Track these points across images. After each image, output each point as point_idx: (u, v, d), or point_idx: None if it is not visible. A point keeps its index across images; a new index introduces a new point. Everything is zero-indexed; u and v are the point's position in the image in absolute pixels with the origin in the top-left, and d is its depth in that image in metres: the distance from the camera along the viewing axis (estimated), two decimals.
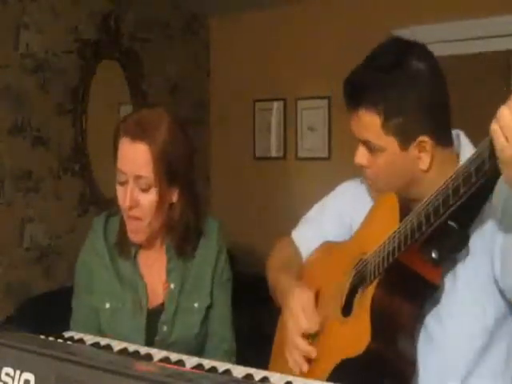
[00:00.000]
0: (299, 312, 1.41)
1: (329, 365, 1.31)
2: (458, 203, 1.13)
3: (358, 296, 1.38)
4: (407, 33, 1.51)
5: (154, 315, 1.64)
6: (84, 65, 3.43)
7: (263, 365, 1.64)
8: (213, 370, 1.00)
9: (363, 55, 1.45)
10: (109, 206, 1.88)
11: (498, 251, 1.25)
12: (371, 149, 1.35)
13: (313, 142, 4.03)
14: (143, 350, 1.14)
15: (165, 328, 1.63)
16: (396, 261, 1.25)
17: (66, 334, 1.23)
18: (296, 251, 1.69)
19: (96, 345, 1.16)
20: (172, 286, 1.65)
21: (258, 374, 0.98)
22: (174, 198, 1.60)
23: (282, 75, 4.11)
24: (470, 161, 1.09)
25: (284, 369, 1.50)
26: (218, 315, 1.72)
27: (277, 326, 1.70)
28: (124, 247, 1.64)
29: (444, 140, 1.35)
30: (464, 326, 1.31)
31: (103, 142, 3.54)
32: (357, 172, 1.64)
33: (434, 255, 1.24)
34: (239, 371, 0.99)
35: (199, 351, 1.68)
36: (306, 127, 4.06)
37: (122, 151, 1.53)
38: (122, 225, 1.62)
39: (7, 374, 0.86)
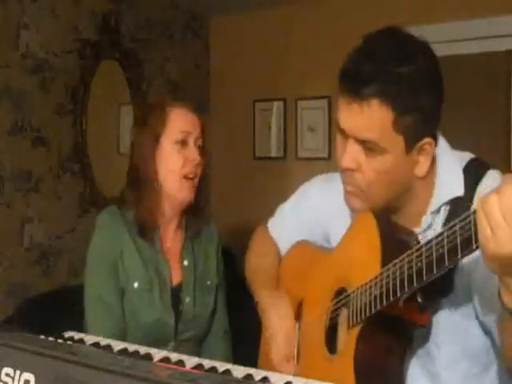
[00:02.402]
0: (281, 339, 1.43)
1: None
2: (443, 270, 1.04)
3: (341, 333, 1.34)
4: None
5: (175, 293, 1.78)
6: (84, 65, 3.42)
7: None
8: (213, 369, 1.00)
9: None
10: (109, 205, 1.89)
11: (475, 290, 1.21)
12: (370, 150, 1.19)
13: (313, 141, 4.03)
14: (143, 349, 1.14)
15: (187, 299, 1.78)
16: (379, 312, 1.18)
17: (66, 334, 1.23)
18: (275, 248, 1.68)
19: (96, 345, 1.16)
20: (185, 262, 1.81)
21: (258, 373, 0.98)
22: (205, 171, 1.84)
23: (282, 75, 4.11)
24: (458, 228, 0.98)
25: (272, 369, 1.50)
26: (220, 296, 1.91)
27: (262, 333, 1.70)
28: (146, 232, 1.76)
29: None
30: (451, 354, 1.28)
31: (103, 142, 3.57)
32: None
33: (419, 300, 1.17)
34: (239, 371, 0.99)
35: (210, 328, 1.87)
36: (306, 127, 4.06)
37: (182, 118, 1.80)
38: (145, 211, 1.75)
39: (7, 374, 0.86)
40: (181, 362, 1.03)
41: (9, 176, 3.04)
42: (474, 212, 0.93)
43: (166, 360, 1.06)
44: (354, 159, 1.21)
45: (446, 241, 1.00)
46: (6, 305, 2.96)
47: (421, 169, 1.23)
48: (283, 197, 1.70)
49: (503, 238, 0.88)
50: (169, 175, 1.74)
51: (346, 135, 1.23)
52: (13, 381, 0.85)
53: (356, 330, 1.24)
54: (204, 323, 1.83)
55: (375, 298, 1.17)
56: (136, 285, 1.71)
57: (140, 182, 1.76)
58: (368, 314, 1.20)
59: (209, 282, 1.85)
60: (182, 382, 0.77)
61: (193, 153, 1.75)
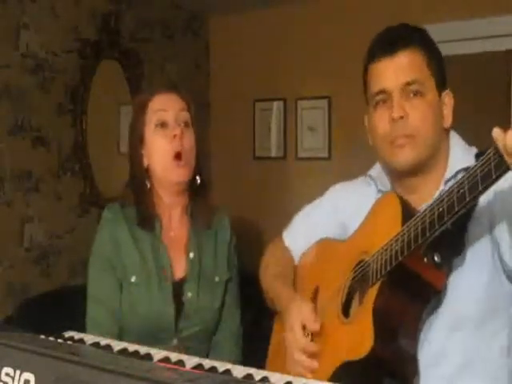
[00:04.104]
0: (298, 328, 1.42)
1: (331, 366, 1.31)
2: (463, 210, 1.12)
3: (358, 296, 1.38)
4: None
5: (179, 286, 1.74)
6: (84, 65, 3.42)
7: (263, 365, 1.64)
8: (213, 369, 1.00)
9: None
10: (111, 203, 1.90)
11: (506, 241, 1.25)
12: (414, 93, 1.38)
13: (313, 141, 4.03)
14: (143, 349, 1.14)
15: (189, 294, 1.74)
16: (399, 264, 1.24)
17: (66, 334, 1.23)
18: (289, 255, 1.70)
19: (96, 345, 1.16)
20: (191, 254, 1.77)
21: (258, 374, 0.98)
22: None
23: (282, 75, 4.11)
24: (477, 168, 1.08)
25: (282, 371, 1.50)
26: (231, 293, 1.85)
27: (273, 328, 1.70)
28: (146, 221, 1.76)
29: None
30: (453, 315, 1.32)
31: (103, 142, 3.57)
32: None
33: (436, 259, 1.24)
34: (239, 371, 0.99)
35: (218, 322, 1.81)
36: (306, 127, 4.06)
37: (156, 100, 1.80)
38: (146, 200, 1.76)
39: (7, 374, 0.86)
40: (181, 362, 1.03)
41: (9, 176, 3.04)
42: (494, 149, 1.03)
43: (166, 360, 1.06)
44: (403, 108, 1.38)
45: (466, 181, 1.10)
46: (6, 305, 2.96)
47: (447, 121, 1.42)
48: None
49: None
50: (157, 158, 1.76)
51: (388, 95, 1.40)
52: (13, 381, 0.85)
53: (376, 287, 1.29)
54: (208, 319, 1.77)
55: (396, 252, 1.24)
56: (133, 279, 1.71)
57: (134, 177, 1.80)
58: (389, 268, 1.26)
59: (217, 279, 1.81)
60: (182, 382, 0.77)
61: (174, 129, 1.75)
